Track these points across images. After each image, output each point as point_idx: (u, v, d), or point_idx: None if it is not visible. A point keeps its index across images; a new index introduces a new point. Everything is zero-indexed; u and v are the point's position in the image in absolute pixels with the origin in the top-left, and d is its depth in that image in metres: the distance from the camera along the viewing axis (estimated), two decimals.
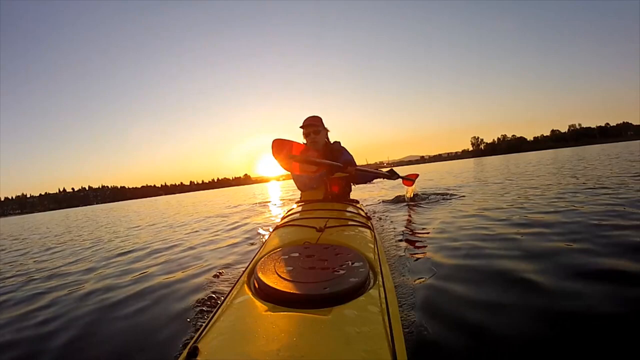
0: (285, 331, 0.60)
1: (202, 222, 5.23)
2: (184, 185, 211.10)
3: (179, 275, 1.99)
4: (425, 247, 2.14)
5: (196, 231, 4.06)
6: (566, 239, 1.95)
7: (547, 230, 2.20)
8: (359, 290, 0.75)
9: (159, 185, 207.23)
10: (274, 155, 1.81)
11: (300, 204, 2.03)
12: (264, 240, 1.49)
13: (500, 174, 8.30)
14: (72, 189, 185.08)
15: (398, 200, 4.58)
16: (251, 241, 2.89)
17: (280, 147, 1.80)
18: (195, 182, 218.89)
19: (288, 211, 1.91)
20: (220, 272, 1.94)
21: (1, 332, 1.45)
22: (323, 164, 1.86)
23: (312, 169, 1.88)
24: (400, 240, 2.45)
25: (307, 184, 2.02)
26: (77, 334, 1.31)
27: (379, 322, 0.62)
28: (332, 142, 2.20)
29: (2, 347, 1.29)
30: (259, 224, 4.06)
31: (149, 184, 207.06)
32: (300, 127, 2.07)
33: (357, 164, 2.12)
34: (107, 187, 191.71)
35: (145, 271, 2.19)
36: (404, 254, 2.06)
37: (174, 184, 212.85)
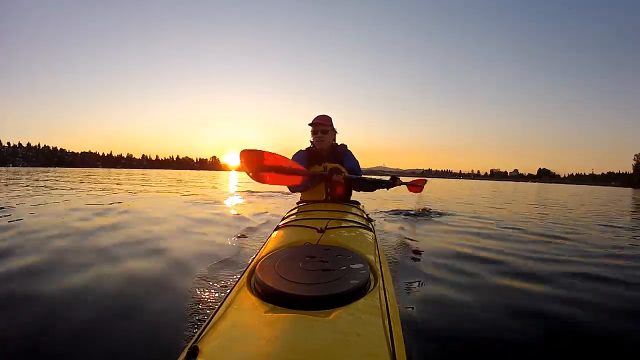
0: (285, 332, 0.60)
1: (199, 219, 5.22)
2: (133, 158, 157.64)
3: (178, 275, 1.96)
4: (425, 251, 2.14)
5: (194, 229, 4.04)
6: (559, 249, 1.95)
7: (534, 244, 2.20)
8: (359, 292, 0.74)
9: (100, 154, 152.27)
10: (243, 168, 1.53)
11: (301, 204, 2.03)
12: (264, 240, 1.49)
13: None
14: None
15: (399, 212, 4.23)
16: (252, 241, 2.89)
17: (251, 158, 1.51)
18: (148, 157, 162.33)
19: (289, 211, 1.91)
20: (220, 272, 1.93)
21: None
22: (302, 173, 1.69)
23: (291, 178, 1.67)
24: (401, 243, 2.45)
25: (297, 189, 2.05)
26: (74, 333, 1.28)
27: (379, 325, 0.62)
28: (339, 144, 2.14)
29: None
30: (259, 223, 4.06)
31: (91, 150, 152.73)
32: (309, 124, 2.06)
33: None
34: (37, 146, 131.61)
35: (143, 270, 2.15)
36: (404, 256, 2.06)
37: (120, 155, 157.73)
